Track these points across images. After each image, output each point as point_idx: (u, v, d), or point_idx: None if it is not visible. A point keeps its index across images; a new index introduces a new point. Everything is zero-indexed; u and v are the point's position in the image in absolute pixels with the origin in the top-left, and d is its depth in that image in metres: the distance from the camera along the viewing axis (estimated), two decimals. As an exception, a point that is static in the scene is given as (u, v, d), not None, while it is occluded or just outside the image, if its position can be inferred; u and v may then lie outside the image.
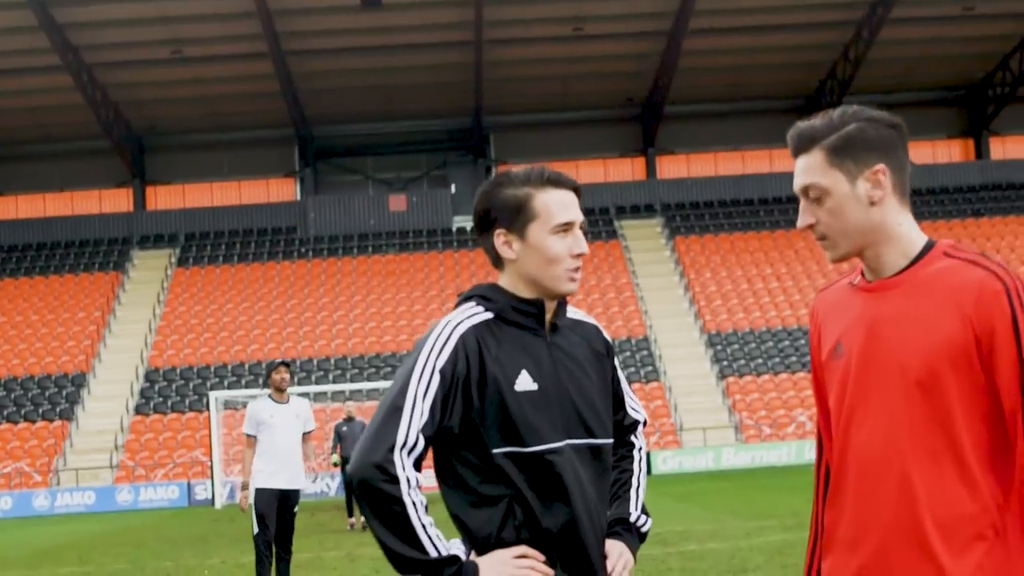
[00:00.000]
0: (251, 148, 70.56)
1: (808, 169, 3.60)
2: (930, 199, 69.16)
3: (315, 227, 68.98)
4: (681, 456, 50.86)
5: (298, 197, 71.37)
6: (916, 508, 3.48)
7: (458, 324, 3.95)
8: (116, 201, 71.79)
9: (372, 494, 3.80)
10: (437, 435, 3.89)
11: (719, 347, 58.48)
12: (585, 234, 4.16)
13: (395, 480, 3.79)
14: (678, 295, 63.74)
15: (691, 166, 71.83)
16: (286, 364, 15.70)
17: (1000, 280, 3.42)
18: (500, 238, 4.02)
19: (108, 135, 65.66)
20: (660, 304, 62.60)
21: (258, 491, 15.10)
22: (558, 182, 4.03)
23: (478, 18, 56.68)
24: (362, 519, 28.49)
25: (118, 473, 52.86)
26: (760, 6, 58.24)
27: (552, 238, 3.98)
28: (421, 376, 3.87)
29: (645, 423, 4.53)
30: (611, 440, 4.15)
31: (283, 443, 15.21)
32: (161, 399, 57.26)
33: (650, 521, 4.42)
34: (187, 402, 56.62)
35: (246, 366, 58.58)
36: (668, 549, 18.97)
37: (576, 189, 4.10)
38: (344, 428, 29.20)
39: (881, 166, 3.57)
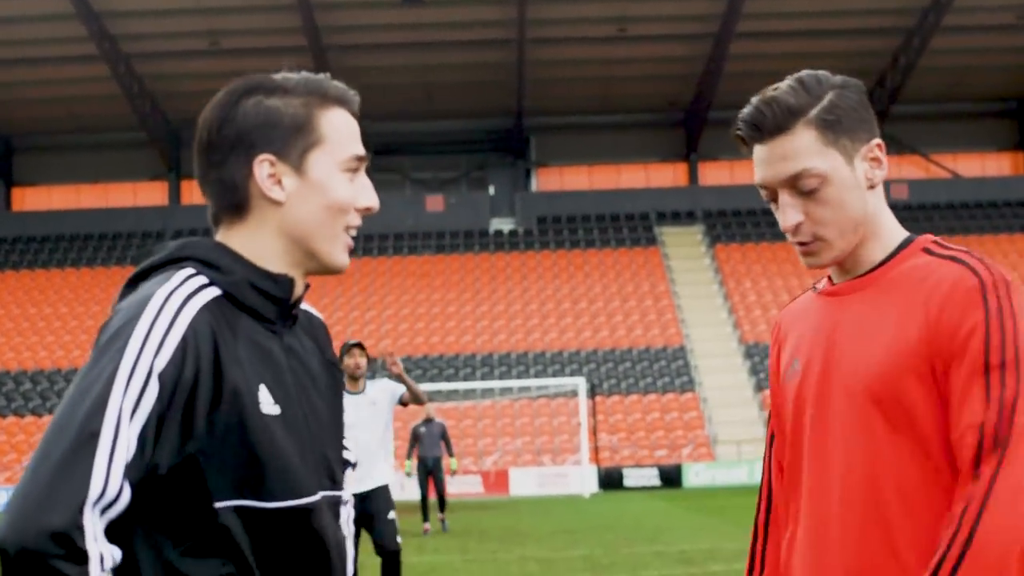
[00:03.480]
0: (289, 144, 69.87)
1: (797, 152, 2.88)
2: (978, 213, 68.05)
3: (349, 224, 68.28)
4: (714, 469, 49.91)
5: (335, 195, 70.68)
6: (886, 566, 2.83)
7: (186, 300, 2.50)
8: (151, 194, 71.39)
9: None
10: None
11: (757, 359, 57.42)
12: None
13: (82, 558, 2.31)
14: (717, 304, 62.81)
15: (734, 173, 70.78)
16: (360, 346, 12.60)
17: (976, 275, 2.79)
18: (264, 167, 2.61)
19: (144, 127, 65.26)
20: (698, 313, 61.72)
21: None
22: (347, 101, 2.71)
23: (521, 16, 55.93)
24: (441, 516, 27.81)
25: (141, 470, 52.20)
26: (809, 10, 57.34)
27: (341, 176, 2.65)
28: (129, 383, 2.39)
29: (354, 466, 3.07)
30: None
31: (358, 440, 12.29)
32: (188, 395, 56.58)
33: None
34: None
35: (275, 364, 58.00)
36: (692, 569, 17.97)
37: (357, 117, 2.77)
38: (423, 429, 27.94)
39: (878, 140, 2.93)
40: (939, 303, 2.78)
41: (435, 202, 68.86)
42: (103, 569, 2.32)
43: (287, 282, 2.63)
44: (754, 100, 2.96)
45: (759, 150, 2.93)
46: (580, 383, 47.89)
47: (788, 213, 2.90)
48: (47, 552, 2.27)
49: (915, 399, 2.79)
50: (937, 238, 2.96)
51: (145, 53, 59.64)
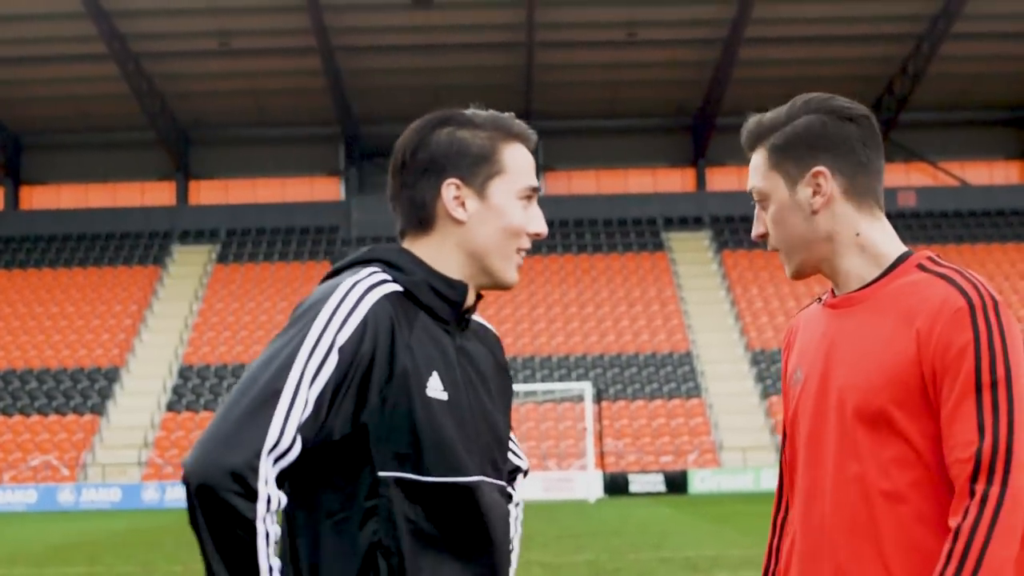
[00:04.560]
0: (296, 145, 69.97)
1: (753, 170, 3.18)
2: (985, 221, 67.90)
3: (358, 228, 68.34)
4: (720, 476, 49.80)
5: (342, 196, 70.72)
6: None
7: (369, 289, 2.88)
8: (158, 194, 71.37)
9: (216, 509, 2.65)
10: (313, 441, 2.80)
11: (763, 365, 57.34)
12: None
13: (252, 496, 2.67)
14: (723, 310, 62.74)
15: (742, 179, 70.57)
16: None
17: (965, 296, 2.90)
18: (451, 190, 2.98)
19: (153, 127, 65.26)
20: (704, 319, 61.64)
21: None
22: (527, 138, 3.09)
23: (530, 20, 55.91)
24: None
25: (146, 471, 52.24)
26: (819, 16, 57.23)
27: (518, 203, 3.02)
28: (313, 352, 2.77)
29: (526, 473, 3.47)
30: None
31: None
32: (194, 397, 56.62)
33: None
34: (220, 401, 55.88)
35: (281, 366, 58.03)
36: (697, 575, 17.88)
37: (533, 153, 3.16)
38: None
39: (821, 168, 3.08)
40: (929, 322, 2.90)
41: (443, 205, 68.87)
42: (269, 510, 2.68)
43: (463, 288, 3.00)
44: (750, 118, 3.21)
45: None
46: (586, 388, 47.84)
47: (755, 223, 3.18)
48: (224, 487, 2.65)
49: (903, 416, 2.92)
50: (933, 255, 3.07)
51: (154, 53, 59.64)
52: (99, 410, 56.19)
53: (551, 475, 49.84)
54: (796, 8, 57.04)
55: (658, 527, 29.44)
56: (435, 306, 2.95)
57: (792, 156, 3.08)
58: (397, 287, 2.92)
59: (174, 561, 23.14)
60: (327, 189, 71.61)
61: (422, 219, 3.01)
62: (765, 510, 35.40)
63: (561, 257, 66.53)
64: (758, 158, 3.13)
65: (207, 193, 71.51)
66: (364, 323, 2.81)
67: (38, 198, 71.74)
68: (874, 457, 2.95)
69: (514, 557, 3.31)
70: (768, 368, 56.95)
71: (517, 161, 3.03)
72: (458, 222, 2.98)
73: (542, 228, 3.05)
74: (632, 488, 49.20)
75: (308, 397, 2.74)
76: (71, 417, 55.52)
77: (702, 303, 62.99)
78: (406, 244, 3.04)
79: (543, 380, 55.75)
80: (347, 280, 2.88)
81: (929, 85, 62.97)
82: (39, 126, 68.38)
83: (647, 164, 71.25)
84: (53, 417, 55.45)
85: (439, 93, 63.55)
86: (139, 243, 68.48)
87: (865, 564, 2.96)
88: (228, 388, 56.51)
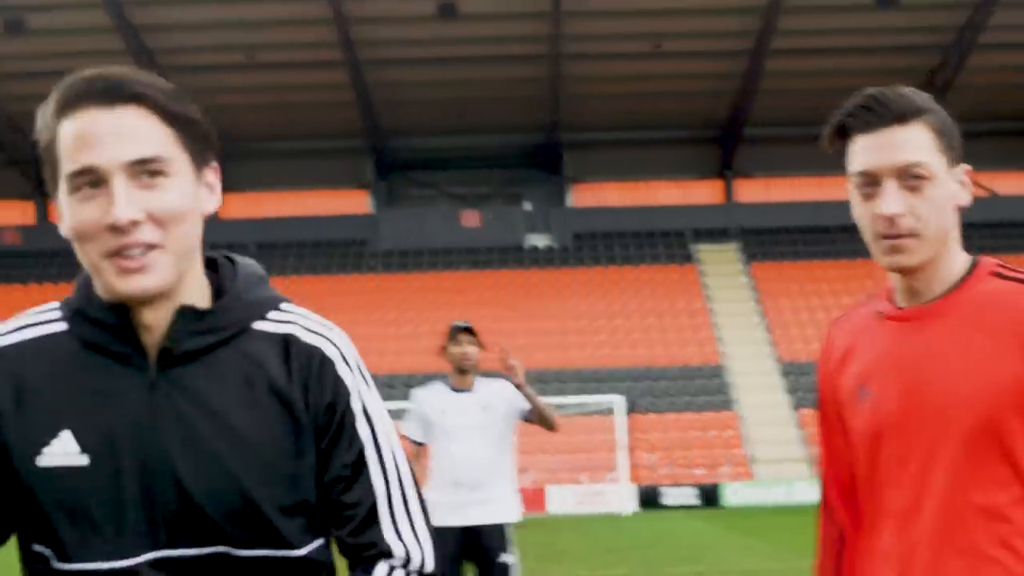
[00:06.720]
0: (324, 158, 69.90)
1: (915, 144, 2.90)
2: (1013, 232, 67.79)
3: (386, 241, 68.28)
4: (752, 488, 49.61)
5: (371, 209, 70.68)
6: None
7: None
8: (183, 208, 71.22)
9: None
10: None
11: (793, 377, 57.11)
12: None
13: None
14: (753, 322, 62.54)
15: (770, 190, 70.49)
16: (470, 331, 9.90)
17: None
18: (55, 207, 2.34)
19: (180, 141, 65.22)
20: (734, 331, 61.46)
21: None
22: (87, 95, 2.26)
23: (556, 32, 55.83)
24: None
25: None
26: (845, 27, 57.09)
27: (70, 200, 2.25)
28: None
29: (408, 564, 2.42)
30: (268, 551, 2.32)
31: (464, 453, 9.63)
32: (223, 410, 56.62)
33: None
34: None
35: (310, 379, 58.00)
36: (736, 590, 17.75)
37: (136, 97, 2.26)
38: None
39: (967, 166, 2.98)
40: None
41: (470, 217, 68.76)
42: None
43: (121, 312, 2.32)
44: (868, 91, 2.97)
45: (867, 138, 2.91)
46: (618, 401, 47.70)
47: (895, 199, 2.86)
48: None
49: (1013, 430, 2.81)
50: (997, 261, 3.01)
51: (181, 66, 59.60)
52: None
53: (583, 488, 49.69)
54: (822, 20, 56.93)
55: (692, 540, 29.31)
56: (100, 341, 2.33)
57: (951, 146, 2.95)
58: (60, 327, 2.36)
59: None
60: (355, 202, 71.58)
61: None
62: (798, 523, 35.11)
63: (590, 270, 66.39)
64: (920, 133, 2.92)
65: (236, 207, 71.53)
66: None
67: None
68: (973, 475, 2.84)
69: None
70: (799, 380, 56.69)
71: (64, 144, 2.25)
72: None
73: (109, 218, 2.19)
74: (665, 501, 49.04)
75: None
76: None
77: (732, 315, 62.83)
78: None
79: (573, 393, 55.59)
80: None
81: (957, 96, 62.60)
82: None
83: (675, 176, 71.05)
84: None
85: (466, 105, 63.62)
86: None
87: None
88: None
